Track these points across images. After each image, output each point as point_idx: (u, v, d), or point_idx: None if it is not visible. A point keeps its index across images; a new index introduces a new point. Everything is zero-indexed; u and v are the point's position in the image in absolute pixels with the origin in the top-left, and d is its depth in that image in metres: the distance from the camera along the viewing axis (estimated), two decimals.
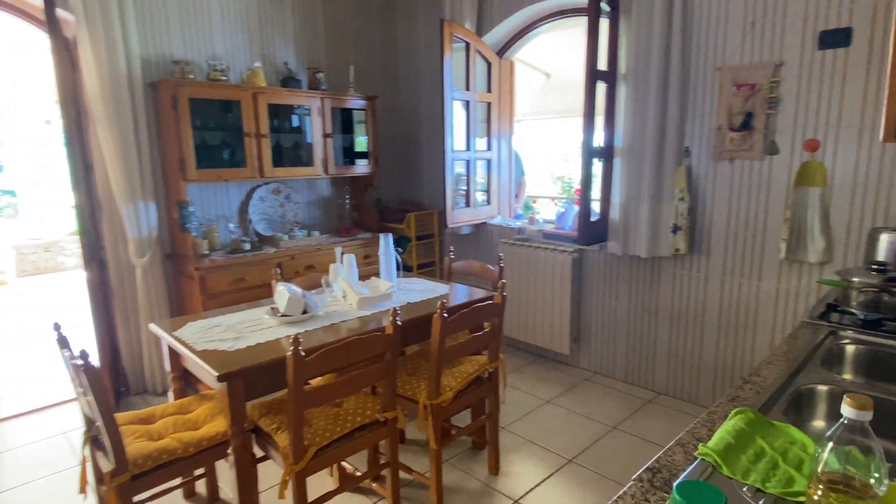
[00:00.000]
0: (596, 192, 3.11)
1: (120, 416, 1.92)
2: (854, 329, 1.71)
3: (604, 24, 2.92)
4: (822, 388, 1.34)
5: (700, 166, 2.87)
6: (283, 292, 2.18)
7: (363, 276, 2.73)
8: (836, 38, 2.36)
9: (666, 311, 3.12)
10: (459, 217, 3.81)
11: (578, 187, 5.28)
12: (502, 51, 3.97)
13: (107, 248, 3.15)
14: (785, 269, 2.66)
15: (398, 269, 2.72)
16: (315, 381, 2.19)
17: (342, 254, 2.60)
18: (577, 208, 3.64)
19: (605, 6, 2.93)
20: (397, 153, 4.61)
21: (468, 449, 2.65)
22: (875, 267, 1.80)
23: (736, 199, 2.77)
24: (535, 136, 5.85)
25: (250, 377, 1.77)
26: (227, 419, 1.78)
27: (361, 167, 4.04)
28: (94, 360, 1.62)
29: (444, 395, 2.10)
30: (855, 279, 1.79)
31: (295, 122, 3.78)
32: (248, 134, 3.31)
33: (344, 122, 4.02)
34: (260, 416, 1.94)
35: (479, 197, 4.03)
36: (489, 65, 3.88)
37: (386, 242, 2.61)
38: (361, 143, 4.09)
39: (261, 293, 3.20)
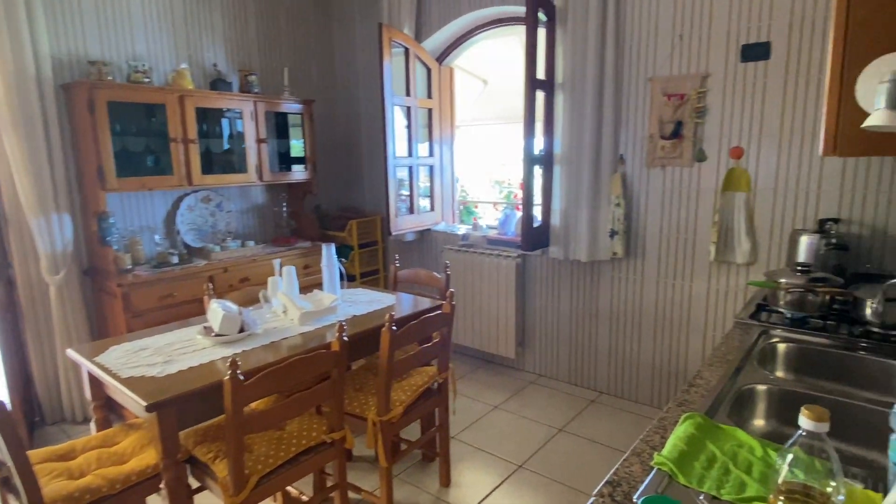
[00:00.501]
0: (537, 198, 3.15)
1: (34, 454, 1.73)
2: (782, 327, 1.82)
3: (541, 33, 2.97)
4: (761, 387, 1.40)
5: (634, 173, 2.97)
6: (217, 310, 2.05)
7: (304, 289, 2.63)
8: (756, 52, 2.52)
9: (605, 313, 3.21)
10: (403, 224, 3.76)
11: (519, 192, 5.37)
12: (441, 57, 3.96)
13: (15, 264, 2.85)
14: (714, 270, 2.80)
15: (342, 279, 2.63)
16: (255, 404, 2.07)
17: (281, 265, 2.48)
18: (519, 214, 3.68)
19: (541, 16, 2.98)
20: (337, 159, 4.50)
21: (418, 462, 2.60)
22: (800, 268, 1.92)
23: (668, 205, 2.90)
24: (474, 142, 5.90)
25: (183, 405, 1.64)
26: (158, 450, 1.63)
27: (298, 173, 3.90)
28: (2, 389, 1.44)
29: (395, 411, 2.04)
30: (782, 280, 1.90)
31: (226, 126, 3.59)
32: (174, 139, 3.10)
33: (279, 126, 3.87)
34: (195, 445, 1.81)
35: (423, 203, 3.99)
36: (429, 71, 3.86)
37: (328, 253, 2.52)
38: (297, 148, 3.95)
39: (192, 310, 3.01)
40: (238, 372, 1.54)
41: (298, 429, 1.89)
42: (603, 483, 0.99)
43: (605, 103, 2.93)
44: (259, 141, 3.56)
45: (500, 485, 2.41)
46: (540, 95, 3.05)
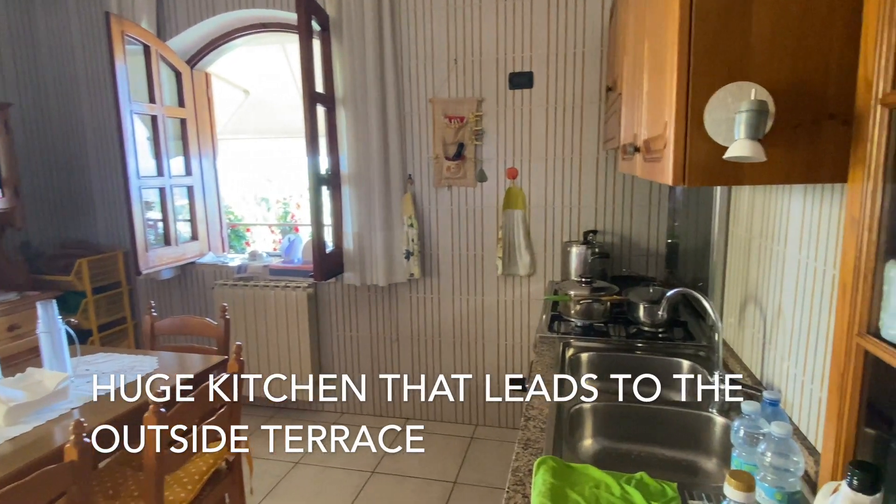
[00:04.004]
0: (327, 220, 2.89)
1: None
2: (575, 336, 1.94)
3: (316, 44, 2.73)
4: (586, 405, 1.42)
5: (424, 193, 2.95)
6: None
7: (11, 366, 1.86)
8: (521, 80, 2.72)
9: (406, 336, 3.12)
10: (157, 259, 3.06)
11: (297, 213, 4.97)
12: (194, 60, 3.38)
13: None
14: (502, 283, 2.95)
15: (72, 345, 1.94)
16: None
17: None
18: (302, 238, 3.35)
19: (315, 26, 2.74)
20: (52, 181, 3.46)
21: None
22: (584, 279, 2.09)
23: (457, 223, 2.94)
24: (235, 157, 5.31)
25: None
26: None
27: None
28: None
29: None
30: (572, 293, 2.03)
31: None
32: None
33: None
34: None
35: (183, 231, 3.33)
36: (179, 75, 3.25)
37: (48, 313, 1.82)
38: None
39: None
40: None
41: None
42: None
43: (389, 122, 2.83)
44: None
45: None
46: (321, 110, 2.80)
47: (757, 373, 1.43)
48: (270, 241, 4.59)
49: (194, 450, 1.60)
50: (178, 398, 1.58)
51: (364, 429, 3.04)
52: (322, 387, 3.28)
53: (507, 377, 3.01)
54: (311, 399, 3.16)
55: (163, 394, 1.45)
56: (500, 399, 3.04)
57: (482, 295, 2.98)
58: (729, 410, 1.36)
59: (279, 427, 3.10)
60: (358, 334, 3.18)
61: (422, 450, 2.84)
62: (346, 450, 2.83)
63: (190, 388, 1.68)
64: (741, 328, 1.58)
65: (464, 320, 3.02)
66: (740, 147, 0.69)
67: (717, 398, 1.35)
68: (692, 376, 1.67)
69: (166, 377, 1.89)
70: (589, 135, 2.69)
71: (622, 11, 1.82)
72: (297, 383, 3.14)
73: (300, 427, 3.09)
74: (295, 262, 3.24)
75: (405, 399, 3.18)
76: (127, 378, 1.86)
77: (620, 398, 1.45)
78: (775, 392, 1.02)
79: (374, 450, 2.84)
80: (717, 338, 1.43)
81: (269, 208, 5.51)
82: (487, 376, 3.03)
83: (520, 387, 2.97)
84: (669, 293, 1.53)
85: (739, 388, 1.33)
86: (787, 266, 1.24)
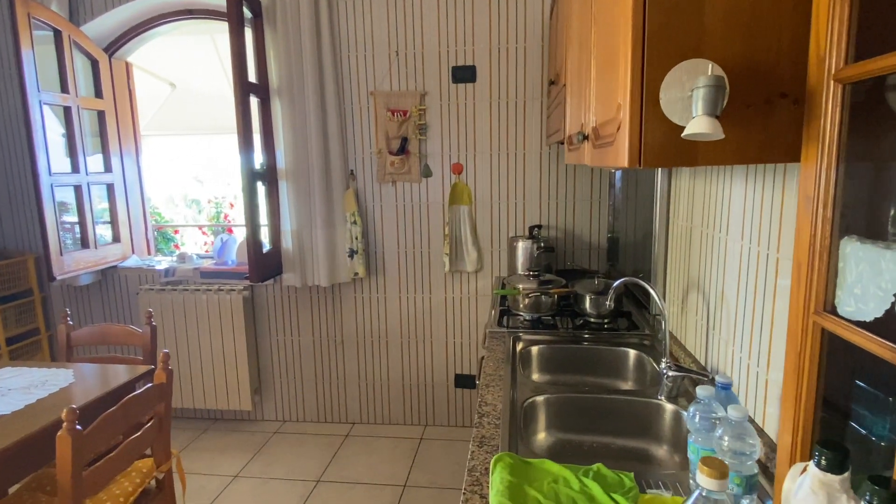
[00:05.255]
0: (262, 218, 2.74)
1: None
2: (524, 329, 1.92)
3: (247, 32, 2.58)
4: (539, 399, 1.39)
5: (366, 189, 2.86)
6: None
7: None
8: (464, 74, 2.69)
9: (352, 338, 3.01)
10: (73, 263, 2.80)
11: (230, 213, 4.73)
12: (112, 48, 3.12)
13: None
14: (449, 279, 2.90)
15: None
16: None
17: None
18: (236, 239, 3.17)
19: (246, 12, 2.59)
20: None
21: None
22: (532, 273, 2.08)
23: (402, 220, 2.87)
24: (161, 155, 4.98)
25: None
26: None
27: None
28: None
29: None
30: (520, 286, 2.01)
31: None
32: None
33: None
34: None
35: (103, 233, 3.06)
36: (95, 63, 2.98)
37: None
38: None
39: None
40: None
41: None
42: None
43: (328, 115, 2.72)
44: None
45: None
46: (254, 102, 2.65)
47: (701, 359, 1.46)
48: (201, 243, 4.33)
49: (118, 469, 1.45)
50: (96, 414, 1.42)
51: (307, 436, 2.93)
52: (261, 395, 3.12)
53: (456, 375, 2.97)
54: (249, 408, 2.99)
55: (75, 410, 1.30)
56: (448, 398, 2.99)
57: (429, 292, 2.92)
58: (677, 397, 1.37)
59: (214, 440, 2.92)
60: (300, 338, 3.04)
61: (370, 454, 2.75)
62: (289, 460, 2.71)
63: (114, 409, 1.52)
64: (684, 316, 1.61)
65: (411, 319, 2.96)
66: (698, 124, 0.68)
67: (664, 385, 1.36)
68: (639, 365, 1.69)
69: (82, 391, 1.71)
70: (532, 130, 2.69)
71: (564, 4, 1.82)
72: (233, 392, 2.97)
73: (237, 438, 2.93)
74: (229, 263, 3.05)
75: (351, 403, 3.07)
76: (37, 394, 1.67)
77: (571, 390, 1.44)
78: (726, 377, 1.02)
79: (318, 458, 2.73)
80: (663, 326, 1.45)
81: (199, 210, 5.21)
82: (435, 375, 2.98)
83: (469, 385, 2.94)
84: (615, 283, 1.54)
85: (686, 374, 1.35)
86: (730, 252, 1.27)
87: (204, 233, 4.51)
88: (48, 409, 1.58)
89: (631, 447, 1.38)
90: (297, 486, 2.49)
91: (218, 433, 2.99)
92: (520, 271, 2.53)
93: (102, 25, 2.99)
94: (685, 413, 1.30)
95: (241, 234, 3.27)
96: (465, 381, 2.97)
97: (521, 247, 2.56)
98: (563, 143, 2.32)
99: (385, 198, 2.85)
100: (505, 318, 2.04)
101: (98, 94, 3.02)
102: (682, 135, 0.70)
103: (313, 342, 3.03)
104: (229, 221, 4.64)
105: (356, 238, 2.82)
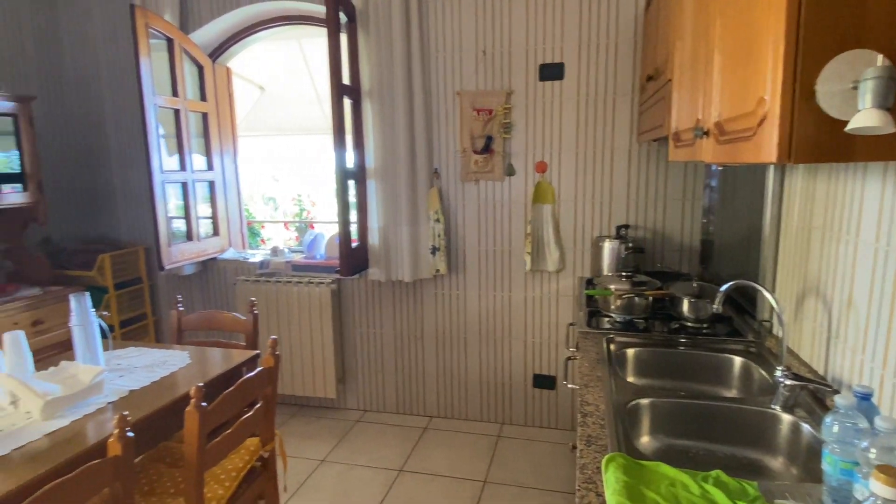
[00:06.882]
0: (352, 216, 2.84)
1: None
2: (615, 331, 1.88)
3: (342, 36, 2.69)
4: (643, 402, 1.37)
5: (450, 188, 2.90)
6: None
7: (42, 359, 1.83)
8: (552, 72, 2.66)
9: (431, 333, 3.07)
10: (179, 254, 3.03)
11: (313, 210, 4.94)
12: (215, 54, 3.34)
13: None
14: (530, 279, 2.89)
15: (104, 339, 1.91)
16: None
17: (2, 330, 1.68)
18: (325, 235, 3.31)
19: (342, 16, 2.70)
20: (73, 176, 3.44)
21: None
22: (624, 274, 2.04)
23: (484, 218, 2.89)
24: (248, 154, 5.27)
25: None
26: None
27: (13, 196, 2.85)
28: None
29: None
30: (612, 287, 1.98)
31: None
32: None
33: None
34: None
35: (204, 227, 3.30)
36: (201, 69, 3.21)
37: (81, 306, 1.78)
38: (10, 162, 2.88)
39: None
40: None
41: None
42: None
43: (416, 115, 2.79)
44: None
45: None
46: (347, 104, 2.76)
47: (820, 368, 1.38)
48: (284, 239, 4.56)
49: (233, 445, 1.56)
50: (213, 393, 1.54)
51: (387, 427, 3.01)
52: (345, 384, 3.24)
53: (534, 375, 2.96)
54: (333, 396, 3.12)
55: (202, 388, 1.41)
56: (527, 397, 2.98)
57: (509, 291, 2.92)
58: (793, 407, 1.30)
59: (301, 425, 3.07)
60: (382, 331, 3.13)
61: (449, 448, 2.79)
62: (371, 448, 2.80)
63: (232, 389, 1.64)
64: (798, 323, 1.52)
65: (490, 316, 2.97)
66: (867, 117, 0.64)
67: (780, 394, 1.30)
68: (745, 373, 1.61)
69: (199, 371, 1.85)
70: (621, 127, 2.63)
71: None
72: (319, 380, 3.11)
73: (322, 425, 3.07)
74: (317, 257, 3.20)
75: (429, 396, 3.13)
76: (160, 373, 1.83)
77: (674, 395, 1.39)
78: (865, 386, 0.96)
79: (398, 448, 2.80)
80: (776, 332, 1.38)
81: (276, 208, 5.48)
82: (514, 374, 2.98)
83: (548, 385, 2.92)
84: (724, 287, 1.48)
85: (805, 384, 1.27)
86: (861, 256, 1.18)
87: (287, 228, 4.74)
88: (170, 387, 1.73)
89: (741, 457, 1.32)
90: (380, 473, 2.57)
91: (304, 419, 3.14)
92: (605, 272, 2.48)
93: (208, 33, 3.21)
94: (804, 424, 1.23)
95: (322, 231, 3.42)
96: (543, 382, 2.95)
97: (608, 247, 2.51)
98: (657, 141, 2.26)
99: (467, 196, 2.88)
100: (594, 319, 2.01)
101: (202, 97, 3.24)
102: (847, 129, 0.67)
103: (394, 335, 3.12)
104: (311, 218, 4.85)
105: (438, 235, 2.87)
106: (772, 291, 1.70)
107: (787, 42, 0.74)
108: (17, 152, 2.87)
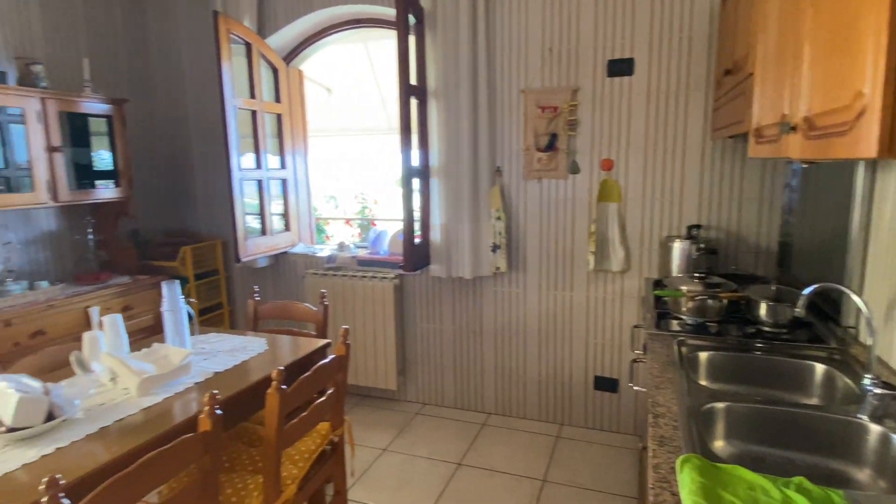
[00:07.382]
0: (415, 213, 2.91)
1: None
2: (686, 334, 1.83)
3: (410, 38, 2.75)
4: (719, 406, 1.33)
5: (512, 186, 2.91)
6: (7, 391, 1.39)
7: (135, 341, 2.00)
8: (621, 68, 2.62)
9: (490, 330, 3.09)
10: (254, 247, 3.20)
11: (374, 208, 5.07)
12: (288, 58, 3.51)
13: None
14: (593, 278, 2.85)
15: (191, 324, 2.06)
16: None
17: (100, 314, 1.84)
18: (388, 232, 3.40)
19: (410, 18, 2.76)
20: (158, 173, 3.71)
21: None
22: (697, 275, 1.98)
23: (546, 217, 2.88)
24: (316, 154, 5.47)
25: None
26: None
27: (107, 191, 3.10)
28: None
29: (287, 492, 1.59)
30: (684, 288, 1.92)
31: None
32: None
33: (77, 132, 3.01)
34: None
35: (277, 223, 3.47)
36: (276, 71, 3.38)
37: (172, 292, 1.93)
38: (105, 159, 3.14)
39: None
40: (60, 494, 1.00)
41: None
42: None
43: (479, 114, 2.81)
44: (51, 149, 2.73)
45: None
46: (414, 103, 2.82)
47: None
48: (347, 235, 4.71)
49: (308, 427, 1.65)
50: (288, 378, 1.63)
51: (446, 420, 3.06)
52: (405, 376, 3.32)
53: (595, 377, 2.92)
54: (394, 388, 3.21)
55: (283, 371, 1.50)
56: (587, 399, 2.95)
57: (570, 290, 2.90)
58: (882, 417, 1.23)
59: (364, 414, 3.17)
60: (441, 326, 3.18)
61: (506, 445, 2.80)
62: (430, 440, 2.85)
63: (308, 373, 1.73)
64: (889, 330, 1.43)
65: (550, 316, 2.96)
66: None
67: (868, 403, 1.23)
68: (828, 380, 1.53)
69: (277, 357, 1.96)
70: (693, 123, 2.55)
71: None
72: (380, 372, 3.20)
73: (383, 415, 3.15)
74: (381, 253, 3.29)
75: (487, 393, 3.15)
76: (241, 357, 1.95)
77: (750, 400, 1.35)
78: None
79: (457, 442, 2.84)
80: (864, 339, 1.30)
81: (336, 206, 5.66)
82: (574, 375, 2.95)
83: (610, 388, 2.87)
84: (808, 289, 1.41)
85: None
86: None
87: (349, 224, 4.89)
88: (251, 371, 1.84)
89: (822, 466, 1.26)
90: (439, 466, 2.62)
91: (366, 409, 3.25)
92: (674, 273, 2.41)
93: (283, 37, 3.37)
94: (894, 435, 1.16)
95: (384, 228, 3.51)
96: (605, 384, 2.90)
97: (678, 247, 2.44)
98: (733, 137, 2.17)
99: (530, 194, 2.88)
100: (663, 321, 1.97)
101: (277, 99, 3.41)
102: None
103: (454, 331, 3.16)
104: (373, 216, 4.98)
105: (499, 233, 2.88)
106: (860, 296, 1.61)
107: (890, 32, 0.71)
108: (111, 151, 3.13)
